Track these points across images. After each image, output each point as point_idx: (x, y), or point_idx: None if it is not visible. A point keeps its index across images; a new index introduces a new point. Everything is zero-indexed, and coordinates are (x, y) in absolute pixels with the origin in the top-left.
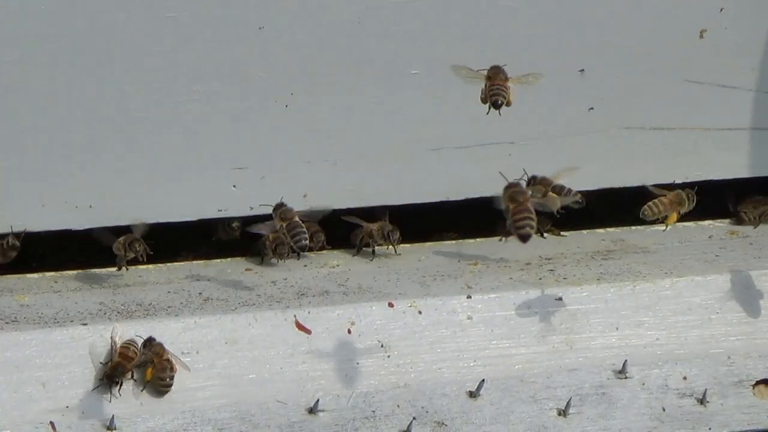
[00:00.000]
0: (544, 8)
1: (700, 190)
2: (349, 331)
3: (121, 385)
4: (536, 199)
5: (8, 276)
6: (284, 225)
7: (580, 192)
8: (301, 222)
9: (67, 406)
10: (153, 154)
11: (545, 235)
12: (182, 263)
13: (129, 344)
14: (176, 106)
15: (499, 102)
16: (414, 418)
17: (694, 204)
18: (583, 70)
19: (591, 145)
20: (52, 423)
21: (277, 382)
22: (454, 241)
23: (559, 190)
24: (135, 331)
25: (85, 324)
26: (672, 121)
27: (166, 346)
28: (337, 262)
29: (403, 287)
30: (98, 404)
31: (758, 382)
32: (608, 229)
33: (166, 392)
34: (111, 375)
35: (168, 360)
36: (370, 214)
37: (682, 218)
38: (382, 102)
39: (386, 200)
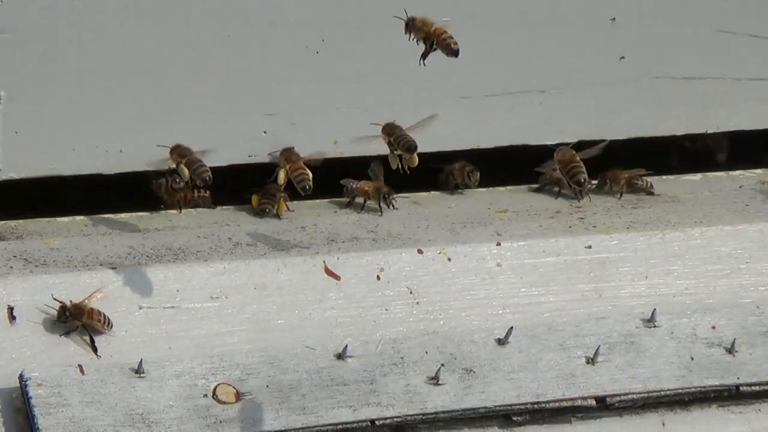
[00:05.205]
0: None
1: (732, 140)
2: (378, 278)
3: None
4: None
5: (38, 219)
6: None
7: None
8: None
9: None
10: (184, 99)
11: None
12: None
13: None
14: (207, 51)
15: None
16: (442, 365)
17: None
18: (614, 18)
19: (621, 95)
20: (80, 366)
21: (305, 327)
22: (483, 189)
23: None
24: (164, 276)
25: (114, 268)
26: (703, 71)
27: (196, 291)
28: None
29: (432, 234)
30: (127, 348)
31: None
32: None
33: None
34: None
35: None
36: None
37: (714, 168)
38: (412, 49)
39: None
